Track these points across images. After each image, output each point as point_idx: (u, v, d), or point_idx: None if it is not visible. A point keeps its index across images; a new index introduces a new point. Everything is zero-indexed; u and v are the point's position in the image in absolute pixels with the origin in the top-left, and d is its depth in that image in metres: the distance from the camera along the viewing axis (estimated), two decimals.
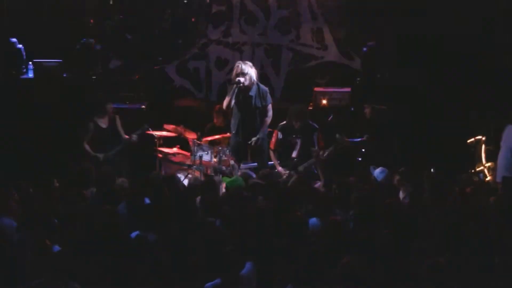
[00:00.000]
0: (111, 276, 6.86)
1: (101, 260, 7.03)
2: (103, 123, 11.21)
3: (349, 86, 13.10)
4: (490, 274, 6.96)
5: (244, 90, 10.95)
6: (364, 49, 13.12)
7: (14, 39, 12.77)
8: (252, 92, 10.98)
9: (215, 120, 12.24)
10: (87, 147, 11.05)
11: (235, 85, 10.86)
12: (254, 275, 7.04)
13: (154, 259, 7.03)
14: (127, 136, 11.21)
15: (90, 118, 11.14)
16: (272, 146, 11.10)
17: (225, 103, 11.09)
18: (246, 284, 6.93)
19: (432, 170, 11.22)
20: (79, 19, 13.45)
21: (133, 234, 7.64)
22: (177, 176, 10.24)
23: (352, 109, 12.79)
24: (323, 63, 14.05)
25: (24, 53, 12.85)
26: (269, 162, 11.23)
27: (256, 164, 11.24)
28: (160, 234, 7.68)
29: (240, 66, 10.94)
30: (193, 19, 13.89)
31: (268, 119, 11.12)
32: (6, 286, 6.93)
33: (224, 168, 10.92)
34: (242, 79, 10.83)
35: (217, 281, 6.91)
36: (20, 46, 12.82)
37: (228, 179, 9.97)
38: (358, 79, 13.11)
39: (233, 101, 10.95)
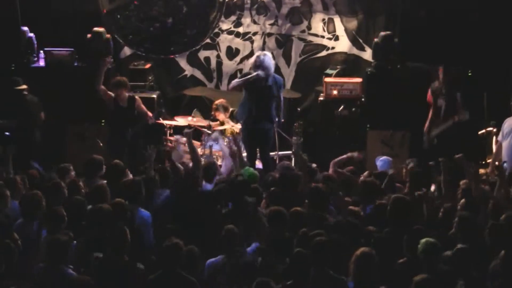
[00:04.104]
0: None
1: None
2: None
3: (360, 77, 13.05)
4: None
5: (261, 80, 10.97)
6: (376, 40, 13.03)
7: (25, 28, 12.75)
8: (270, 82, 11.04)
9: (217, 116, 12.24)
10: None
11: (252, 76, 10.89)
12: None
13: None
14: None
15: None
16: None
17: (233, 84, 11.17)
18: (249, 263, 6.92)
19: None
20: (92, 8, 13.39)
21: None
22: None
23: (363, 100, 12.77)
24: (334, 54, 14.02)
25: (35, 42, 12.84)
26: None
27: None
28: None
29: (260, 58, 10.99)
30: (207, 10, 13.83)
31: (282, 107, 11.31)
32: (9, 271, 6.96)
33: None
34: (261, 73, 10.85)
35: (219, 257, 6.93)
36: (31, 34, 12.81)
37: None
38: (369, 70, 13.02)
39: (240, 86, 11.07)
